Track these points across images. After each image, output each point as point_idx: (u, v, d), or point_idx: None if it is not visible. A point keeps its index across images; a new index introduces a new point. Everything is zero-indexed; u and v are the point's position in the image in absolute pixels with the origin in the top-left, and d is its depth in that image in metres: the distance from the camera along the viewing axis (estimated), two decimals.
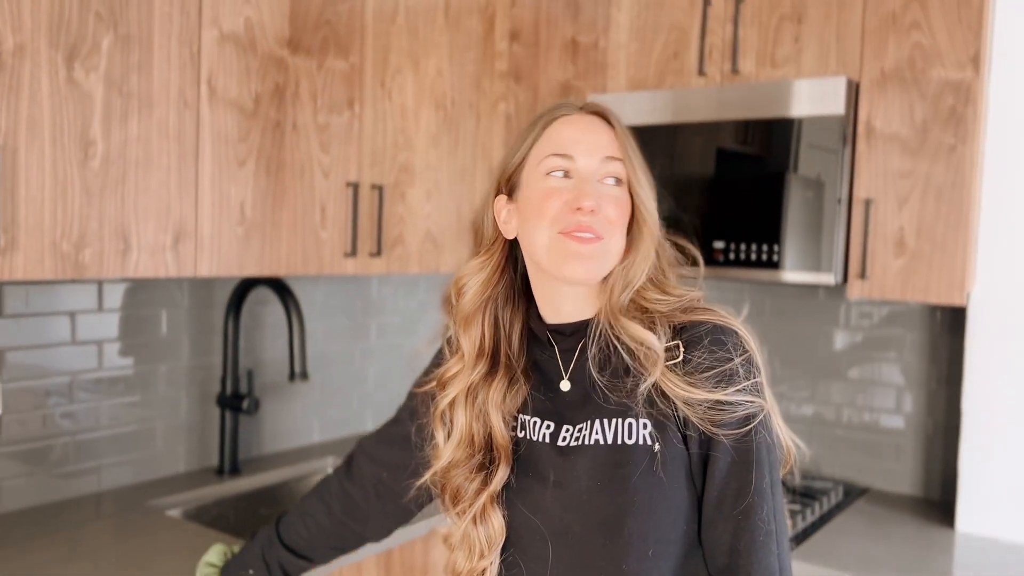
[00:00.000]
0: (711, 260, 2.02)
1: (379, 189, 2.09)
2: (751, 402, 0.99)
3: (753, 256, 1.96)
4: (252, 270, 1.82)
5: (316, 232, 1.96)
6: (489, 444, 1.10)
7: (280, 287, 2.01)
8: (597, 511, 1.02)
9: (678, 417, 1.01)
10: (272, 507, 2.13)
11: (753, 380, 1.01)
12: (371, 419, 2.63)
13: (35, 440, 1.81)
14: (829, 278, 1.88)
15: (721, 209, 2.01)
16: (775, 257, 1.93)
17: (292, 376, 1.97)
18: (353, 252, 2.03)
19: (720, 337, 1.02)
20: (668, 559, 1.00)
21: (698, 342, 1.02)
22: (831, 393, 2.27)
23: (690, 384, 0.99)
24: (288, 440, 2.37)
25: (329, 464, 2.30)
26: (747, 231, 1.97)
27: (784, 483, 1.05)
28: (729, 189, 2.01)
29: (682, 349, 1.02)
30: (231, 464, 2.10)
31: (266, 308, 2.27)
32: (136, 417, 1.99)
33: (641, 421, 1.02)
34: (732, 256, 1.99)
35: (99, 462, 1.93)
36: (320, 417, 2.46)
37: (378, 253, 2.10)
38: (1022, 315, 1.80)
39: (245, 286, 2.08)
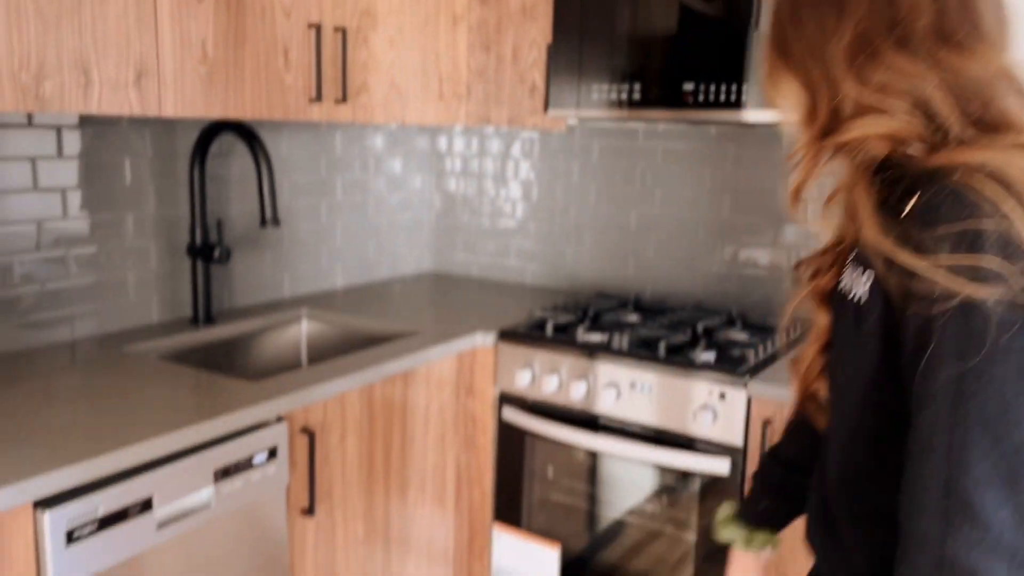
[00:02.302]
0: (680, 102, 2.03)
1: (342, 32, 2.04)
2: None
3: (721, 97, 1.98)
4: (217, 112, 1.79)
5: (280, 76, 1.92)
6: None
7: (245, 132, 1.98)
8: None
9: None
10: (249, 354, 2.17)
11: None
12: (340, 275, 2.65)
13: (2, 288, 1.80)
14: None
15: (689, 51, 2.01)
16: (742, 97, 1.95)
17: (263, 222, 1.96)
18: (318, 97, 2.00)
19: None
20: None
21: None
22: (791, 238, 2.34)
23: None
24: (259, 294, 2.38)
25: (303, 315, 2.33)
26: (713, 73, 1.98)
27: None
28: (697, 29, 2.00)
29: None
30: (205, 313, 2.11)
31: (230, 159, 2.24)
32: (105, 267, 1.98)
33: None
34: (701, 98, 2.00)
35: (70, 311, 1.93)
36: (290, 272, 2.47)
37: (343, 99, 2.07)
38: None
39: (208, 134, 2.04)
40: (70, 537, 1.25)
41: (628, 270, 2.63)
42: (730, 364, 1.87)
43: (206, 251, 2.07)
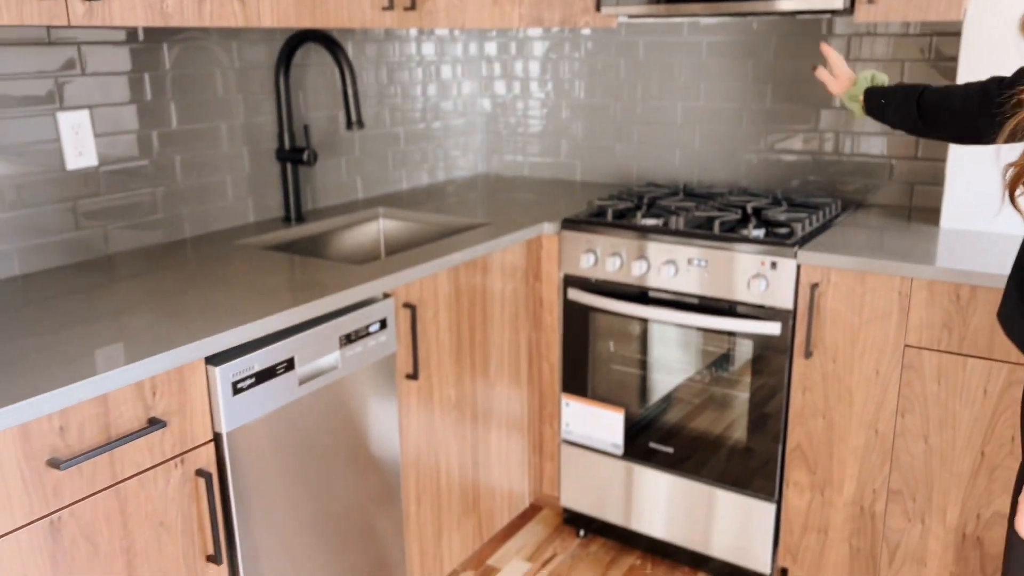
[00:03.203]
0: None
1: None
2: None
3: None
4: (307, 22, 1.95)
5: None
6: None
7: (329, 41, 2.14)
8: None
9: None
10: (336, 248, 2.38)
11: None
12: (405, 178, 2.84)
13: (124, 194, 2.00)
14: (837, 2, 2.04)
15: None
16: None
17: (349, 124, 2.15)
18: (391, 6, 2.15)
19: None
20: None
21: None
22: (829, 123, 2.50)
23: None
24: (336, 196, 2.58)
25: (380, 213, 2.53)
26: None
27: None
28: None
29: None
30: (296, 212, 2.32)
31: (304, 71, 2.41)
32: (206, 171, 2.18)
33: None
34: None
35: (180, 212, 2.14)
36: (361, 175, 2.67)
37: (412, 7, 2.22)
38: (1010, 31, 1.99)
39: (293, 44, 2.21)
40: (235, 388, 1.49)
41: (675, 162, 2.80)
42: (779, 237, 2.07)
43: (295, 155, 2.26)
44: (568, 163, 3.03)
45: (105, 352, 1.36)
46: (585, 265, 2.28)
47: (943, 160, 2.36)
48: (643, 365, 2.32)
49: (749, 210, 2.28)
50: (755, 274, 2.05)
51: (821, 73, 1.91)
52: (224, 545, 1.54)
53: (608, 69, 2.86)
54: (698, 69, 2.69)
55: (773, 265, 2.02)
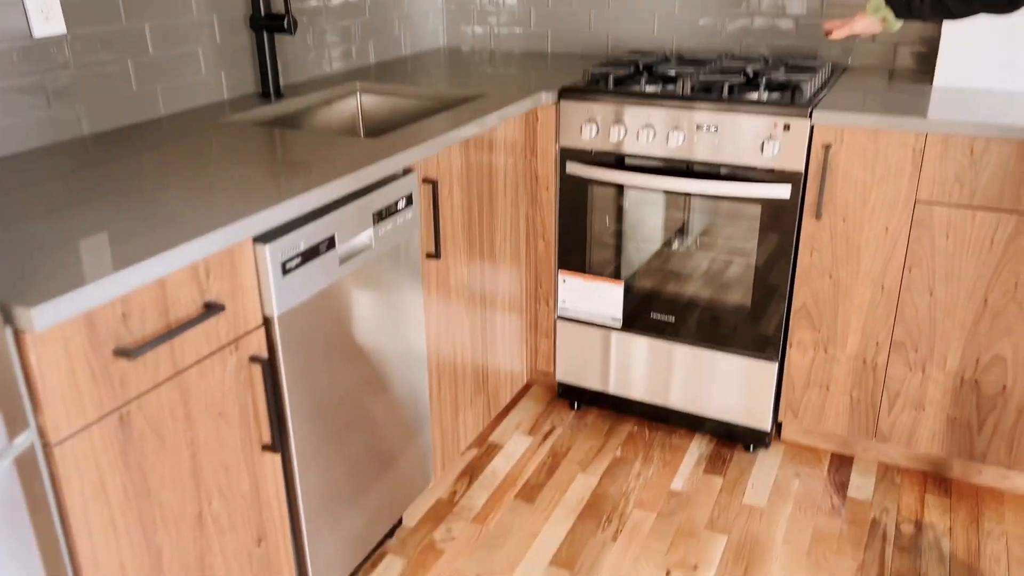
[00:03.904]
0: None
1: None
2: None
3: None
4: None
5: None
6: None
7: None
8: None
9: None
10: (318, 125, 2.23)
11: None
12: (373, 50, 2.66)
13: (99, 65, 1.79)
14: None
15: None
16: None
17: None
18: None
19: None
20: None
21: None
22: None
23: None
24: (306, 71, 2.40)
25: (357, 88, 2.37)
26: None
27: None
28: None
29: None
30: (275, 87, 2.14)
31: None
32: (177, 41, 1.97)
33: None
34: None
35: (155, 87, 1.94)
36: (328, 49, 2.48)
37: None
38: None
39: None
40: (284, 269, 1.39)
41: (653, 29, 2.72)
42: (791, 97, 2.05)
43: (274, 22, 2.07)
44: (538, 33, 2.90)
45: (155, 234, 1.23)
46: (586, 136, 2.22)
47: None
48: (645, 237, 2.31)
49: (750, 73, 2.25)
50: (767, 137, 2.04)
51: (837, 35, 1.96)
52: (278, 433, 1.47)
53: None
54: None
55: (786, 127, 2.01)
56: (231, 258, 1.30)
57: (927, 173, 1.93)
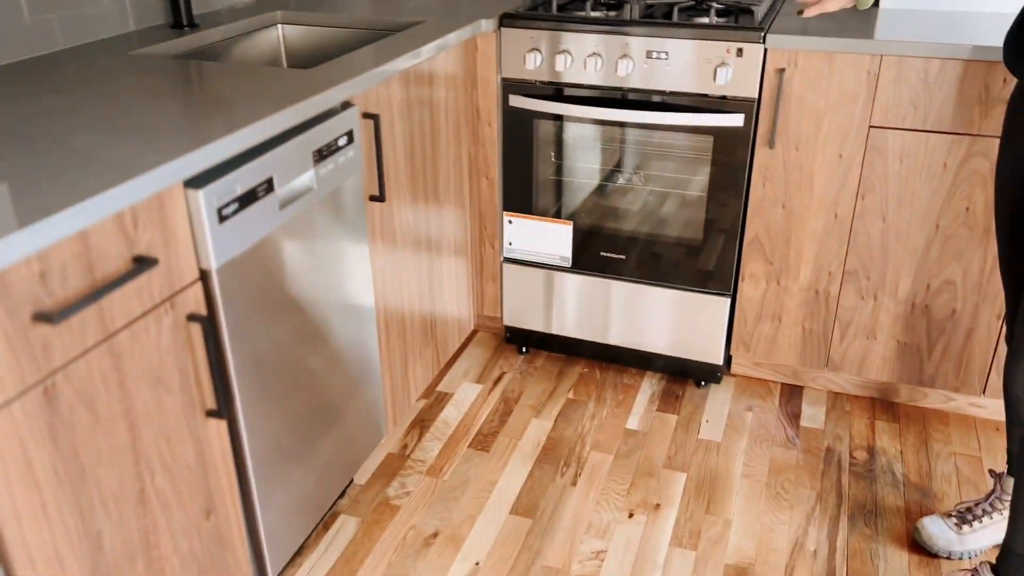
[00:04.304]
0: None
1: None
2: None
3: None
4: None
5: None
6: None
7: None
8: None
9: None
10: (242, 58, 2.04)
11: None
12: None
13: None
14: None
15: None
16: None
17: None
18: None
19: None
20: None
21: None
22: None
23: None
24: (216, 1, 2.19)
25: (278, 18, 2.18)
26: None
27: None
28: None
29: None
30: (188, 17, 1.94)
31: None
32: None
33: None
34: None
35: (49, 16, 1.72)
36: None
37: None
38: None
39: None
40: (220, 216, 1.24)
41: None
42: (743, 21, 1.97)
43: None
44: None
45: (71, 181, 1.07)
46: (530, 66, 2.10)
47: None
48: (594, 173, 2.22)
49: None
50: (720, 63, 1.96)
51: (810, 11, 1.80)
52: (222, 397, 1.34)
53: None
54: None
55: (739, 52, 1.94)
56: (161, 205, 1.16)
57: (881, 97, 1.89)
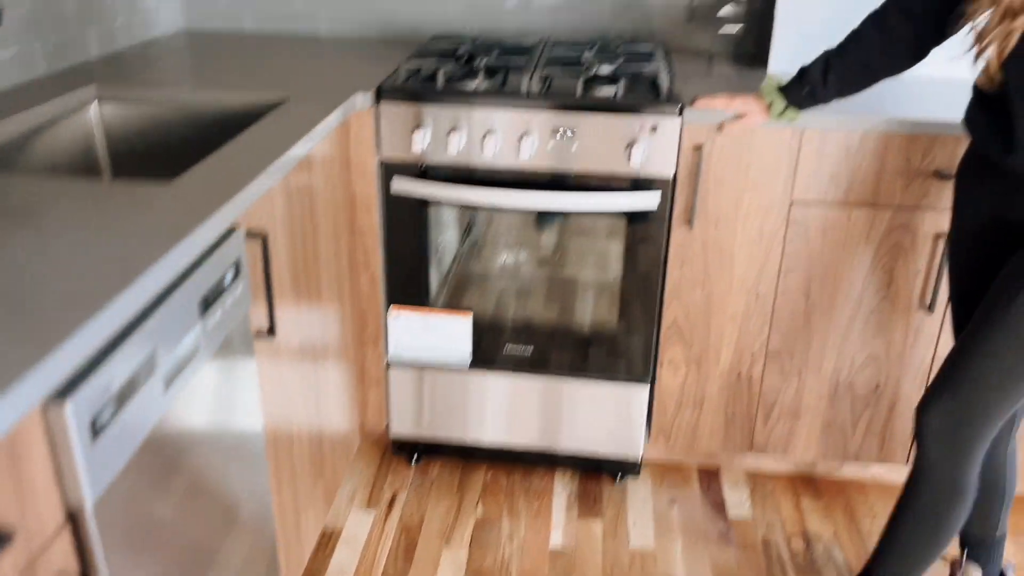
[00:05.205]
0: None
1: None
2: None
3: None
4: None
5: None
6: None
7: None
8: None
9: None
10: (47, 157, 1.59)
11: None
12: (96, 42, 2.00)
13: None
14: None
15: None
16: None
17: None
18: None
19: None
20: None
21: None
22: None
23: None
24: (7, 76, 1.71)
25: (93, 95, 1.73)
26: None
27: None
28: None
29: None
30: None
31: None
32: None
33: None
34: None
35: None
36: (41, 40, 1.80)
37: None
38: None
39: None
40: (94, 429, 0.86)
41: (444, 9, 2.33)
42: (654, 94, 1.80)
43: None
44: (308, 12, 2.39)
45: None
46: (417, 147, 1.80)
47: None
48: (494, 259, 1.96)
49: (590, 62, 1.95)
50: (633, 140, 1.77)
51: (730, 107, 1.70)
52: None
53: None
54: None
55: (653, 129, 1.76)
56: (10, 448, 0.76)
57: (803, 171, 1.78)
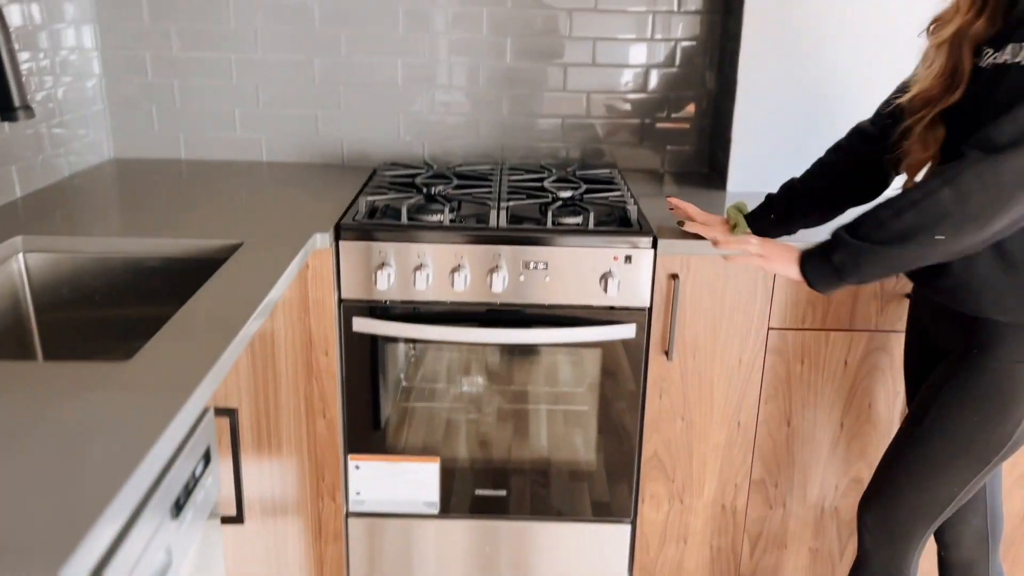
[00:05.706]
0: None
1: None
2: None
3: None
4: None
5: None
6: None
7: None
8: None
9: None
10: None
11: None
12: (19, 181, 1.84)
13: None
14: None
15: None
16: None
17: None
18: None
19: None
20: None
21: None
22: (579, 83, 2.23)
23: None
24: None
25: (18, 246, 1.56)
26: None
27: None
28: None
29: None
30: None
31: None
32: None
33: None
34: None
35: None
36: None
37: None
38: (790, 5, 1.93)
39: None
40: None
41: (398, 132, 2.27)
42: (625, 224, 1.75)
43: None
44: (250, 138, 2.28)
45: None
46: (381, 285, 1.69)
47: (688, 118, 2.26)
48: (464, 399, 1.85)
49: (552, 189, 1.90)
50: (606, 271, 1.70)
51: (692, 227, 1.67)
52: None
53: (299, 16, 2.18)
54: (421, 15, 2.18)
55: (627, 259, 1.70)
56: None
57: (779, 297, 1.75)
